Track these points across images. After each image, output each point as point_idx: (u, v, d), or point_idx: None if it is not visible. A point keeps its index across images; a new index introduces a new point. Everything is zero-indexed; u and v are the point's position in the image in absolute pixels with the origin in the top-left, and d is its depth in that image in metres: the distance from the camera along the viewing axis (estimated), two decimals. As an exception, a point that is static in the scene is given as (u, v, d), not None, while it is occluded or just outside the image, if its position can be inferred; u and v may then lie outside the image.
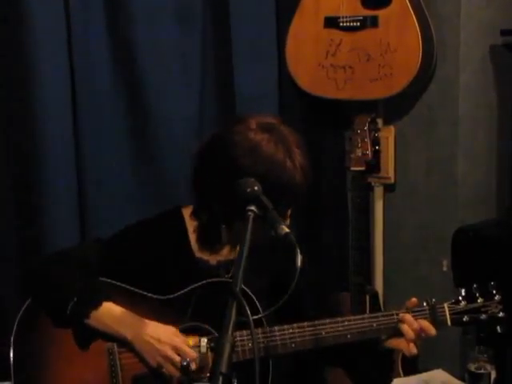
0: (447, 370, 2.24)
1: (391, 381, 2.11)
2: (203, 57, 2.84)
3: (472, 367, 2.00)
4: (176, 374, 1.78)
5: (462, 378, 2.09)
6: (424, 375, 2.22)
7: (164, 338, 1.78)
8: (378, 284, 3.14)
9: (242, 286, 1.47)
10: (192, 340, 1.78)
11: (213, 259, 1.93)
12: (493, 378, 1.99)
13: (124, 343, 1.82)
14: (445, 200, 2.99)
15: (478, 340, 2.02)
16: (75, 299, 1.79)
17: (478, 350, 2.00)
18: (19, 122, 2.52)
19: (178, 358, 1.76)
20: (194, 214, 1.90)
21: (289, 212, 1.83)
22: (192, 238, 1.92)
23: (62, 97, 2.54)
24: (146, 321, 1.81)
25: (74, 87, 2.58)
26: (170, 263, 1.89)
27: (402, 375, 2.65)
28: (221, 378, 1.32)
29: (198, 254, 1.92)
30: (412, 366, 2.72)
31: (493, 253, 2.60)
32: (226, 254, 1.93)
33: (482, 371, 1.99)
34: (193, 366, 1.76)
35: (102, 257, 1.90)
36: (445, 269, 2.94)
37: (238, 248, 1.91)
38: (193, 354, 1.77)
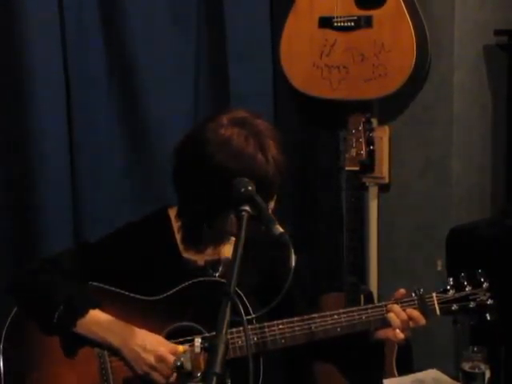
0: (441, 369, 2.24)
1: (382, 374, 2.11)
2: (198, 56, 2.84)
3: (466, 367, 2.00)
4: (162, 382, 1.78)
5: (456, 378, 2.09)
6: (418, 375, 2.22)
7: (149, 347, 1.77)
8: (373, 284, 3.14)
9: None
10: (183, 348, 1.78)
11: (200, 259, 1.92)
12: (487, 377, 1.98)
13: (112, 350, 1.82)
14: (439, 200, 2.99)
15: (472, 337, 2.01)
16: (61, 308, 1.78)
17: (472, 350, 2.00)
18: (14, 122, 2.52)
19: (161, 367, 1.77)
20: (177, 214, 1.90)
21: (270, 205, 1.81)
22: (179, 238, 1.91)
23: (56, 95, 2.54)
24: (134, 328, 1.80)
25: (68, 87, 2.57)
26: (158, 264, 1.88)
27: (396, 375, 2.66)
28: (215, 379, 1.32)
29: (185, 255, 1.91)
30: (406, 366, 2.73)
31: (487, 252, 2.60)
32: (211, 252, 1.92)
33: (477, 371, 1.99)
34: (188, 367, 1.76)
35: (89, 261, 1.89)
36: (439, 268, 2.95)
37: (222, 246, 1.91)
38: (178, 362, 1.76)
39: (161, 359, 1.77)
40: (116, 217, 2.63)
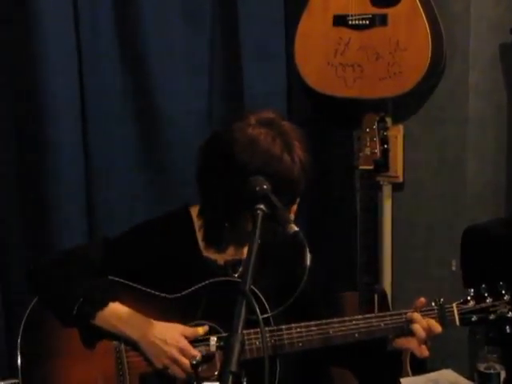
0: (456, 369, 2.23)
1: (399, 382, 2.10)
2: (212, 55, 2.84)
3: (481, 367, 1.99)
4: (182, 375, 1.78)
5: (471, 378, 2.09)
6: (432, 375, 2.21)
7: (170, 340, 1.77)
8: (387, 283, 3.13)
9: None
10: (202, 329, 1.77)
11: (220, 259, 1.92)
12: (502, 377, 1.97)
13: (131, 344, 1.82)
14: (454, 199, 2.98)
15: (487, 340, 2.01)
16: (81, 300, 1.79)
17: (487, 350, 1.99)
18: (28, 121, 2.52)
19: (183, 360, 1.76)
20: (200, 213, 1.90)
21: (293, 207, 1.82)
22: (199, 237, 1.92)
23: (70, 96, 2.54)
24: (153, 321, 1.81)
25: (82, 87, 2.57)
26: (178, 262, 1.88)
27: (410, 375, 2.65)
28: (230, 377, 1.32)
29: (206, 254, 1.92)
30: (420, 366, 2.72)
31: (502, 252, 2.58)
32: (232, 253, 1.93)
33: (492, 371, 1.98)
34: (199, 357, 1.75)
35: (109, 256, 1.90)
36: (454, 268, 2.93)
37: (244, 247, 1.91)
38: (198, 356, 1.77)
39: (183, 352, 1.76)
40: (129, 215, 2.64)
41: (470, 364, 2.73)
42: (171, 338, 1.78)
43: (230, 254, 1.92)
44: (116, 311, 1.81)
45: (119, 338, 1.83)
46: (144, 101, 2.71)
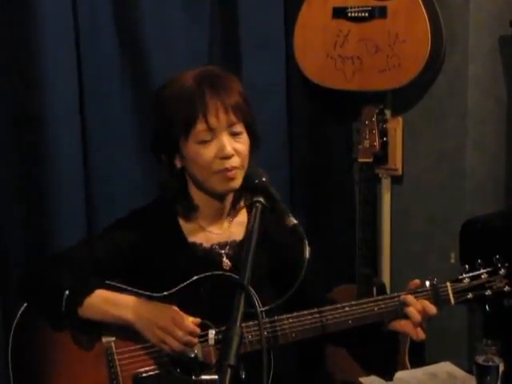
0: (454, 362, 2.23)
1: (395, 360, 2.08)
2: (211, 45, 2.84)
3: (480, 360, 1.98)
4: (178, 347, 1.74)
5: (469, 371, 2.08)
6: (431, 367, 2.21)
7: (162, 312, 1.75)
8: (385, 276, 3.14)
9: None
10: (192, 318, 1.76)
11: (205, 241, 1.90)
12: (501, 370, 1.97)
13: (124, 326, 1.78)
14: (453, 192, 2.98)
15: (485, 330, 1.99)
16: (67, 293, 1.76)
17: (485, 343, 1.99)
18: (25, 118, 2.51)
19: (176, 330, 1.73)
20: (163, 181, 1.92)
21: (223, 138, 1.80)
22: (182, 222, 1.90)
23: (68, 89, 2.53)
24: (143, 300, 1.79)
25: (80, 77, 2.57)
26: (164, 252, 1.86)
27: (408, 367, 2.65)
28: (229, 371, 1.32)
29: (191, 239, 1.90)
30: (419, 358, 2.72)
31: (501, 245, 2.58)
32: (206, 224, 1.90)
33: (490, 364, 1.97)
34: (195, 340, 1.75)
35: (93, 253, 1.87)
36: (453, 261, 2.93)
37: (217, 217, 1.91)
38: (192, 326, 1.74)
39: (174, 322, 1.74)
40: (129, 205, 2.62)
41: (469, 357, 2.73)
42: (163, 310, 1.76)
43: (203, 225, 1.90)
44: (104, 296, 1.79)
45: (111, 327, 1.79)
46: (142, 90, 2.70)
